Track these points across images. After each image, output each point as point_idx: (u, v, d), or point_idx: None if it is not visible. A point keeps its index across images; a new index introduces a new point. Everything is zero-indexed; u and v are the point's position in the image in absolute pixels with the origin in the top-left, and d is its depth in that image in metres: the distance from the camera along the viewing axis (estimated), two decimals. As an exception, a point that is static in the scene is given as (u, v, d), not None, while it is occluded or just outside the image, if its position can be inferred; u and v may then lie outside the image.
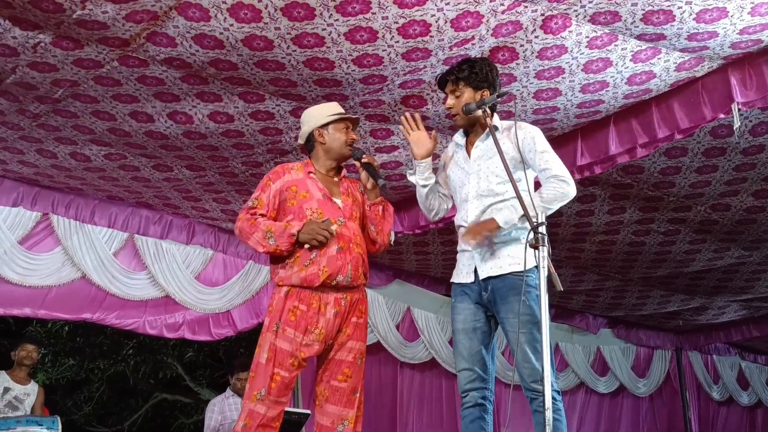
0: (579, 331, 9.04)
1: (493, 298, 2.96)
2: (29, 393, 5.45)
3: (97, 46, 3.53)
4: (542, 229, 2.71)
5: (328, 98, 4.05)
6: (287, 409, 5.66)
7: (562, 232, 6.11)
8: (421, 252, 6.82)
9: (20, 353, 5.54)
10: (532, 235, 2.59)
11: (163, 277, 5.83)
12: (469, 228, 2.99)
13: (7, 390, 5.35)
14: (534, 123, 4.45)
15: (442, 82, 3.16)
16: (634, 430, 9.54)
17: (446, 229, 6.10)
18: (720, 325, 9.64)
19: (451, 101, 3.10)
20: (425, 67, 3.73)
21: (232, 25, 3.32)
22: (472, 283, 3.03)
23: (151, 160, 4.96)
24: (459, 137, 3.22)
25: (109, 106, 4.18)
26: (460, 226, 3.10)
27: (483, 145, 3.09)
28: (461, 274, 3.09)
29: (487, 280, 2.97)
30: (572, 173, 4.65)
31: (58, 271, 5.37)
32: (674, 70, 3.94)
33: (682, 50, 3.75)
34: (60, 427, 4.73)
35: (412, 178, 3.25)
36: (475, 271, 3.01)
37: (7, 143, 4.66)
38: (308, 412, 5.89)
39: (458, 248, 3.15)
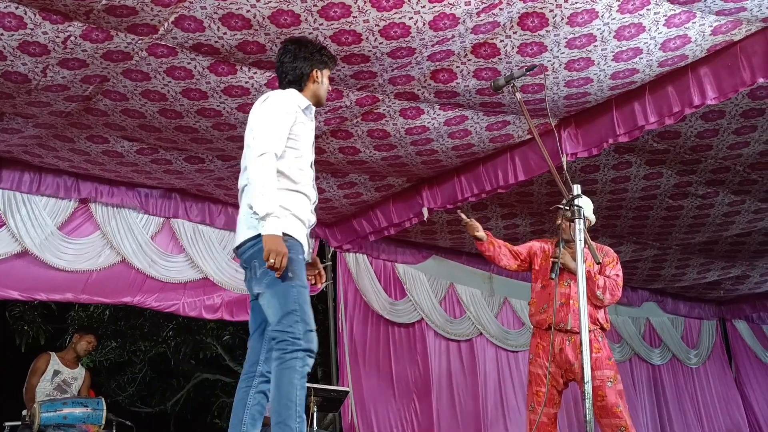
0: (623, 303, 8.90)
1: None
2: (77, 377, 5.59)
3: (126, 35, 3.54)
4: (578, 202, 2.77)
5: (356, 77, 4.01)
6: (326, 386, 5.75)
7: (596, 200, 6.02)
8: (456, 231, 6.78)
9: (81, 343, 5.68)
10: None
11: (201, 258, 5.89)
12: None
13: (57, 373, 5.48)
14: (567, 96, 4.37)
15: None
16: (691, 401, 9.39)
17: (480, 204, 6.05)
18: (762, 294, 9.45)
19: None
20: (453, 36, 3.66)
21: (258, 0, 3.30)
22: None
23: (183, 153, 5.00)
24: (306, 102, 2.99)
25: (138, 103, 4.21)
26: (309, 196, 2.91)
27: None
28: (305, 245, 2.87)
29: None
30: (607, 142, 4.59)
31: (98, 256, 5.44)
32: (710, 34, 3.82)
33: (717, 13, 3.62)
34: (105, 407, 4.84)
35: None
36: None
37: (41, 140, 4.72)
38: (347, 389, 5.95)
39: (303, 218, 2.87)
